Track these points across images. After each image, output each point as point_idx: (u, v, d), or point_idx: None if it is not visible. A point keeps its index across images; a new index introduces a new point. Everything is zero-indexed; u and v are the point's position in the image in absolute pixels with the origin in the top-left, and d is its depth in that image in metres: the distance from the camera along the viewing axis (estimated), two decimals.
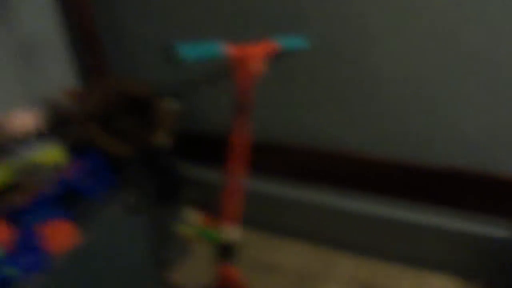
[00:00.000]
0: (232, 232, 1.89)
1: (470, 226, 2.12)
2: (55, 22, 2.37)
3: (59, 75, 2.45)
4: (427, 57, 1.83)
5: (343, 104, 2.09)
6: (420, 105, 1.94)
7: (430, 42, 1.81)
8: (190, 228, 2.61)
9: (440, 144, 1.98)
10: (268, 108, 2.20)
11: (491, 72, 1.77)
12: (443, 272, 2.30)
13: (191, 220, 2.65)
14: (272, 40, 1.73)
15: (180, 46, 1.31)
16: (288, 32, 1.94)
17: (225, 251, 1.94)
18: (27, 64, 2.26)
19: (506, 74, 1.74)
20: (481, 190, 1.98)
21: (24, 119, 1.98)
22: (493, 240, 2.10)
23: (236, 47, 1.53)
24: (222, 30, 2.04)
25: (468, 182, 1.98)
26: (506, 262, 2.14)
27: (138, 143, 2.12)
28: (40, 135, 2.03)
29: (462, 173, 1.97)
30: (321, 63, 2.01)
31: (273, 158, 2.33)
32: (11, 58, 2.20)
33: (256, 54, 1.60)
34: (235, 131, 1.72)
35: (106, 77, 2.45)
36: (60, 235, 1.71)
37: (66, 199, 1.88)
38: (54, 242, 1.69)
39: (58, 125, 2.20)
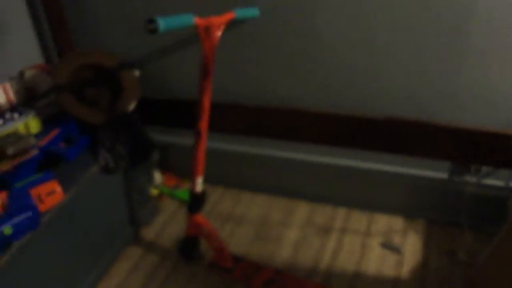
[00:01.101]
0: (199, 184, 2.11)
1: (411, 170, 2.36)
2: (20, 1, 2.47)
3: (27, 51, 2.54)
4: (364, 23, 2.03)
5: (291, 66, 2.26)
6: (359, 63, 2.13)
7: (364, 11, 2.00)
8: (158, 189, 2.82)
9: (379, 97, 2.18)
10: (227, 72, 2.36)
11: (418, 35, 1.98)
12: (389, 213, 2.55)
13: (158, 181, 2.85)
14: (229, 12, 1.95)
15: (160, 19, 1.53)
16: (243, 5, 2.12)
17: (194, 202, 2.15)
18: None
19: (432, 38, 1.97)
20: (419, 136, 2.17)
21: None
22: (431, 181, 2.34)
23: (202, 18, 1.74)
24: (185, 6, 2.21)
25: (407, 130, 2.17)
26: (442, 200, 2.39)
27: (108, 110, 2.28)
28: (14, 108, 2.17)
29: (401, 122, 2.16)
30: (271, 30, 2.17)
31: (231, 117, 2.48)
32: None
33: (218, 23, 1.82)
34: (201, 92, 1.92)
35: (73, 51, 2.57)
36: (46, 194, 1.87)
37: (47, 163, 2.04)
38: (41, 200, 1.85)
39: (30, 98, 2.35)
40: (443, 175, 2.32)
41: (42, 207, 1.83)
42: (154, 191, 2.76)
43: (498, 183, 2.20)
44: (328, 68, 2.20)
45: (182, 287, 2.25)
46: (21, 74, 2.34)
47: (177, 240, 2.39)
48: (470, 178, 2.24)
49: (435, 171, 2.32)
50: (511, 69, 1.92)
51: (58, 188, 1.89)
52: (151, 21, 1.54)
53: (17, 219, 1.71)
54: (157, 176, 2.83)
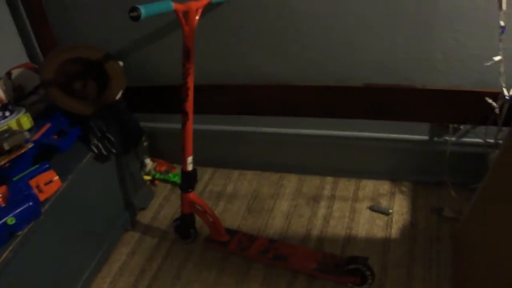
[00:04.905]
0: (190, 163, 2.18)
1: (393, 134, 2.43)
2: (1, 2, 2.50)
3: (12, 51, 2.59)
4: None
5: (271, 43, 2.31)
6: (335, 36, 2.19)
7: None
8: (150, 174, 2.89)
9: (357, 66, 2.25)
10: (209, 54, 2.42)
11: (388, 3, 2.04)
12: (375, 178, 2.65)
13: (150, 167, 2.92)
14: None
15: (142, 6, 1.61)
16: None
17: (186, 180, 2.23)
18: None
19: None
20: (397, 101, 2.25)
21: None
22: (413, 143, 2.43)
23: (180, 4, 1.82)
24: None
25: (385, 96, 2.25)
26: (425, 161, 2.48)
27: (96, 101, 2.35)
28: (4, 107, 2.22)
29: (379, 88, 2.24)
30: (249, 10, 2.23)
31: (215, 97, 2.54)
32: None
33: (195, 7, 1.90)
34: (185, 75, 2.00)
35: (57, 47, 2.62)
36: (45, 184, 1.94)
37: (42, 155, 2.10)
38: (41, 190, 1.92)
39: (19, 96, 2.41)
40: (424, 137, 2.40)
41: (41, 196, 1.90)
42: (146, 177, 2.83)
43: (477, 140, 2.28)
44: (306, 43, 2.26)
45: (181, 265, 2.35)
46: (8, 74, 2.39)
47: (173, 219, 2.46)
48: (450, 138, 2.32)
49: (416, 134, 2.40)
50: (478, 30, 1.98)
51: (55, 177, 1.95)
52: (133, 9, 1.62)
53: (19, 210, 1.77)
54: (148, 162, 2.90)
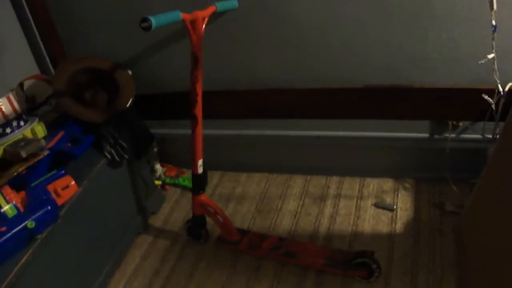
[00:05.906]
0: (200, 166, 2.26)
1: (394, 133, 2.50)
2: (12, 17, 2.58)
3: (23, 64, 2.67)
4: (335, 4, 2.16)
5: (273, 49, 2.38)
6: (335, 40, 2.26)
7: None
8: (161, 179, 2.97)
9: (356, 69, 2.32)
10: (213, 62, 2.46)
11: (384, 6, 2.11)
12: (378, 176, 2.72)
13: (160, 172, 3.00)
14: (211, 5, 2.10)
15: (152, 17, 1.69)
16: None
17: (197, 183, 2.30)
18: None
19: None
20: (397, 100, 2.32)
21: (3, 106, 2.22)
22: (414, 141, 2.49)
23: (188, 14, 1.90)
24: (169, 4, 2.31)
25: (385, 96, 2.32)
26: (427, 157, 2.55)
27: (107, 109, 2.42)
28: (19, 117, 2.29)
29: (379, 88, 2.31)
30: (251, 18, 2.31)
31: (221, 103, 2.61)
32: None
33: (202, 16, 1.98)
34: (193, 81, 2.07)
35: (67, 58, 2.71)
36: (62, 189, 2.01)
37: (57, 162, 2.17)
38: (58, 195, 1.99)
39: (32, 106, 2.48)
40: (424, 134, 2.46)
41: (59, 201, 1.97)
42: (157, 182, 2.91)
43: (476, 136, 2.33)
44: (307, 48, 2.33)
45: (194, 265, 2.42)
46: (21, 85, 2.45)
47: (185, 221, 2.53)
48: (450, 134, 2.39)
49: (416, 132, 2.46)
50: (472, 30, 2.05)
51: (72, 182, 2.03)
52: (144, 19, 1.70)
53: (38, 214, 1.84)
54: (158, 168, 2.98)
